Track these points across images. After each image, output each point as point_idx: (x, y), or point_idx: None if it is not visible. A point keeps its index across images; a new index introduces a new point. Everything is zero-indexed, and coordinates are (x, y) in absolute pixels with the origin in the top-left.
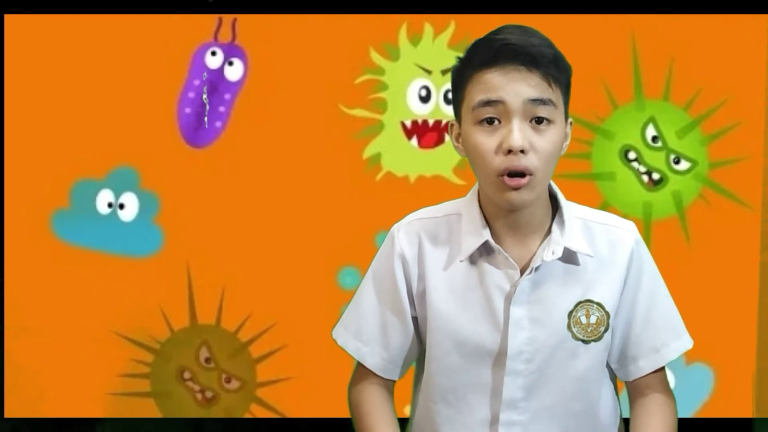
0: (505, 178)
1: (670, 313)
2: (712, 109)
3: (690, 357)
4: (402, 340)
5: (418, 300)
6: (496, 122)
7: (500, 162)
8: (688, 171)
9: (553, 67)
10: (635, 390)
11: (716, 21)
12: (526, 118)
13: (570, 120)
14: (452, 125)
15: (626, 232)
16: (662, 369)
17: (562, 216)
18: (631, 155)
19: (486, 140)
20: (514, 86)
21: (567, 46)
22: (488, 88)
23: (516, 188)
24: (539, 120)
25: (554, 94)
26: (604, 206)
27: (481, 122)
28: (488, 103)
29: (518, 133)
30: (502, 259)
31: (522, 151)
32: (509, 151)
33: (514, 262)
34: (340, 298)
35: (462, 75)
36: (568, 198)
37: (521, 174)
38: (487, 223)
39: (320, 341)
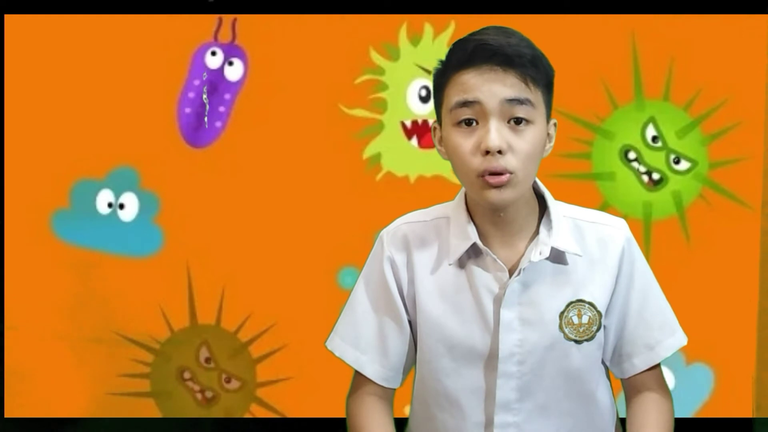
0: (486, 176)
1: (664, 311)
2: (712, 109)
3: (690, 357)
4: (400, 345)
5: (409, 304)
6: (474, 123)
7: (479, 163)
8: (688, 171)
9: (530, 66)
10: (631, 388)
11: (716, 21)
12: (504, 118)
13: (554, 121)
14: (435, 128)
15: (617, 230)
16: (657, 366)
17: (549, 216)
18: (631, 155)
19: (464, 141)
20: (490, 86)
21: (567, 46)
22: (465, 89)
23: (496, 186)
24: (518, 120)
25: (532, 94)
26: (604, 206)
27: (459, 124)
28: (465, 103)
29: (495, 133)
30: (491, 261)
31: (500, 152)
32: (487, 152)
33: (503, 264)
34: (340, 298)
35: (441, 77)
36: (567, 198)
37: (500, 174)
38: (475, 225)
39: (320, 341)
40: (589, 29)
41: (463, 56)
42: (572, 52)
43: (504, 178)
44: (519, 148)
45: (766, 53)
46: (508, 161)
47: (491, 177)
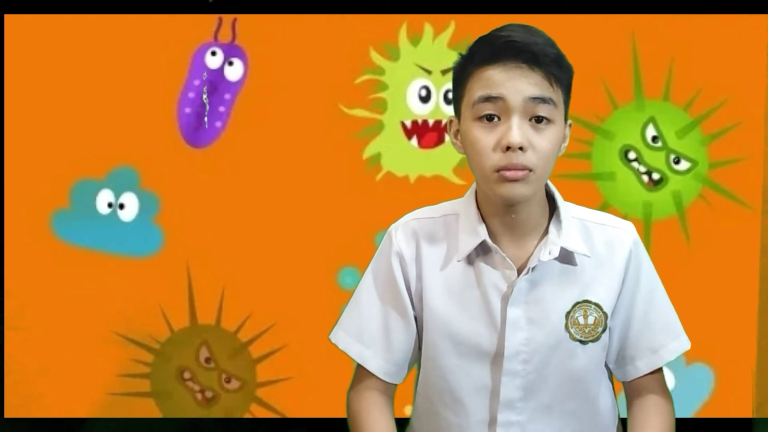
0: (504, 171)
1: (668, 314)
2: (712, 109)
3: (690, 357)
4: (405, 340)
5: (416, 300)
6: (496, 119)
7: (498, 159)
8: (688, 171)
9: (555, 66)
10: (633, 390)
11: (716, 21)
12: (526, 116)
13: (569, 122)
14: (451, 121)
15: (624, 233)
16: (660, 370)
17: (559, 216)
18: (631, 155)
19: (485, 137)
20: (515, 83)
21: (567, 46)
22: (489, 84)
23: (513, 180)
24: (539, 119)
25: (555, 94)
26: (604, 206)
27: (480, 118)
28: (488, 99)
29: (517, 130)
30: (500, 258)
31: (521, 149)
32: (508, 148)
33: (511, 262)
34: (340, 298)
35: (463, 71)
36: (567, 198)
37: (519, 170)
38: (485, 223)
39: (320, 341)
40: (589, 29)
41: (489, 51)
42: (572, 52)
43: (521, 174)
44: (539, 146)
45: (766, 53)
46: (528, 158)
47: (509, 171)
